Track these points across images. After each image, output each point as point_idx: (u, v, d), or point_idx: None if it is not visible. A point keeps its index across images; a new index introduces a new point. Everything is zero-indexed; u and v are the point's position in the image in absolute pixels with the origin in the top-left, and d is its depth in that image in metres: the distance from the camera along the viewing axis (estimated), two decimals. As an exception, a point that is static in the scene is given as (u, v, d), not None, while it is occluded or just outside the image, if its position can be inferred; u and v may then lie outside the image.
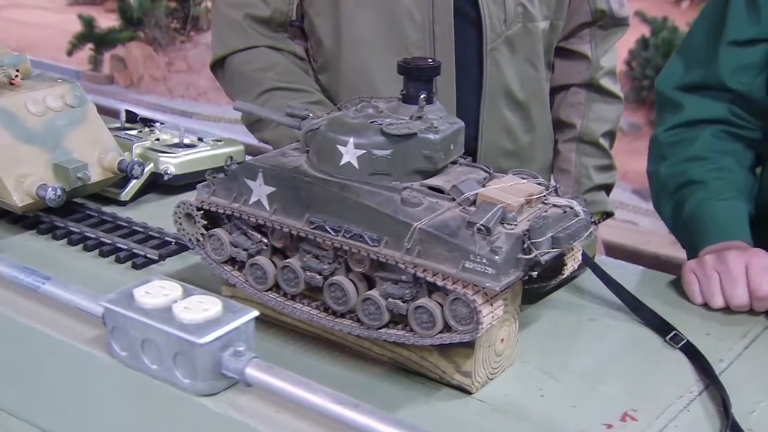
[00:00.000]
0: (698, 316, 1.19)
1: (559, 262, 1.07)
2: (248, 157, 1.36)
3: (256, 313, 0.93)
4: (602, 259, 1.34)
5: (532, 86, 1.61)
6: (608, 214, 1.70)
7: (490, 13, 1.51)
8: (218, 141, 1.55)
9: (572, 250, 1.07)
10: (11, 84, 1.35)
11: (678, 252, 4.22)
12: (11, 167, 1.28)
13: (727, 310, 1.21)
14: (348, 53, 1.55)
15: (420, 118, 1.02)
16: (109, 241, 1.28)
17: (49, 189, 1.28)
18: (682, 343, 1.11)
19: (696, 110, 1.39)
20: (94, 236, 1.29)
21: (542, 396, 1.01)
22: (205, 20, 6.62)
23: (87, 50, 6.73)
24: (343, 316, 1.03)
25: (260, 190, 1.05)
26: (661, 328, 1.14)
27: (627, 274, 1.28)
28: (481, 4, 1.51)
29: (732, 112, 1.37)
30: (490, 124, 1.57)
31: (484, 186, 1.00)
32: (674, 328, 1.13)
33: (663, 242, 4.15)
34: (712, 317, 1.19)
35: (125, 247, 1.27)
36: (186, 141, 1.52)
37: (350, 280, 1.01)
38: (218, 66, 1.64)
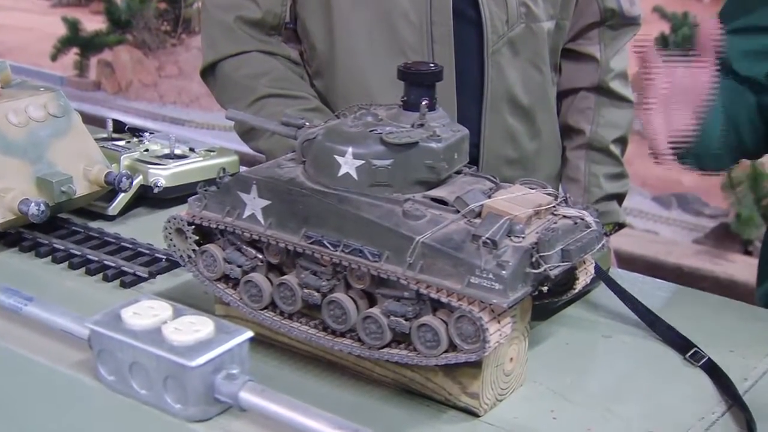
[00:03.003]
0: (720, 332, 1.20)
1: (570, 276, 1.07)
2: (243, 168, 1.37)
3: (250, 333, 0.93)
4: (617, 272, 1.35)
5: (537, 90, 1.61)
6: (621, 226, 1.71)
7: (491, 14, 1.52)
8: (211, 151, 1.56)
9: (584, 263, 1.08)
10: (-9, 93, 1.36)
11: (702, 263, 4.23)
12: (-9, 181, 1.29)
13: (751, 324, 1.21)
14: (342, 57, 1.56)
15: (422, 125, 1.03)
16: (95, 259, 1.29)
17: (32, 204, 1.28)
18: (703, 360, 1.12)
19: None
20: (79, 253, 1.30)
21: (554, 418, 1.01)
22: (197, 22, 6.64)
23: (72, 55, 6.75)
24: (343, 335, 1.04)
25: (254, 204, 1.06)
26: (681, 344, 1.15)
27: (643, 287, 1.29)
28: (481, 4, 1.52)
29: None
30: (492, 130, 1.58)
31: (489, 197, 1.01)
32: (694, 345, 1.14)
33: (685, 252, 4.16)
34: (735, 333, 1.20)
35: (113, 264, 1.28)
36: (177, 151, 1.53)
37: (350, 297, 1.02)
38: (209, 72, 1.65)
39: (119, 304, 0.97)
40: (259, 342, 1.05)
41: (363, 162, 1.00)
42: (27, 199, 1.29)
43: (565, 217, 1.02)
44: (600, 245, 1.02)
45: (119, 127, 1.60)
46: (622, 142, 1.70)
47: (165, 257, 1.29)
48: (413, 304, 0.98)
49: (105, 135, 1.57)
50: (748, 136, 1.35)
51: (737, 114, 1.32)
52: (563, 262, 0.97)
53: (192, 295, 1.19)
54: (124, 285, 1.24)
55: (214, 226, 1.08)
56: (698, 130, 1.25)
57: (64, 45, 6.70)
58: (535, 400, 1.04)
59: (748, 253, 4.25)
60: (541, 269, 0.95)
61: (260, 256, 1.08)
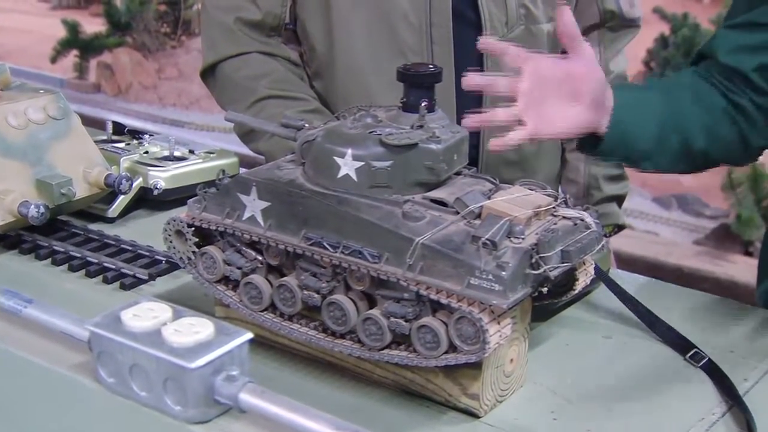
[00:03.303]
0: (720, 332, 1.20)
1: (570, 277, 1.08)
2: (243, 170, 1.37)
3: (249, 335, 0.93)
4: (617, 273, 1.35)
5: None
6: (620, 227, 1.70)
7: (490, 15, 1.52)
8: (210, 153, 1.56)
9: (584, 264, 1.08)
10: (-10, 96, 1.37)
11: (702, 264, 4.22)
12: (-9, 184, 1.29)
13: (751, 324, 1.21)
14: (341, 58, 1.56)
15: (421, 127, 1.03)
16: (95, 261, 1.29)
17: (32, 206, 1.29)
18: (704, 361, 1.12)
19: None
20: (79, 255, 1.30)
21: (554, 419, 1.01)
22: (197, 24, 6.64)
23: (72, 57, 6.75)
24: (342, 336, 1.04)
25: (254, 205, 1.06)
26: (681, 345, 1.15)
27: (643, 288, 1.29)
28: (480, 6, 1.52)
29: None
30: (491, 132, 1.57)
31: (489, 198, 1.01)
32: (695, 346, 1.14)
33: (686, 253, 4.16)
34: (735, 334, 1.20)
35: (113, 266, 1.28)
36: (176, 153, 1.53)
37: (350, 298, 1.02)
38: (209, 74, 1.65)
39: (119, 306, 0.97)
40: (259, 344, 1.05)
41: (362, 163, 1.01)
42: (27, 201, 1.29)
43: (564, 218, 1.02)
44: (600, 246, 1.02)
45: (119, 129, 1.60)
46: (621, 143, 1.70)
47: (165, 259, 1.29)
48: (413, 306, 0.98)
49: (105, 137, 1.58)
50: (705, 142, 1.28)
51: (689, 118, 1.29)
52: (563, 263, 0.97)
53: (192, 297, 1.19)
54: (123, 287, 1.24)
55: (214, 227, 1.09)
56: (616, 127, 1.21)
57: (63, 47, 6.70)
58: (535, 400, 1.04)
59: (748, 254, 4.25)
60: (541, 270, 0.95)
61: (260, 258, 1.08)
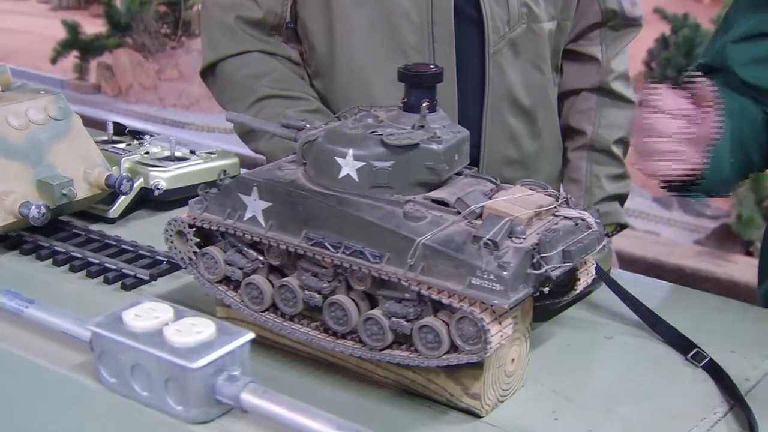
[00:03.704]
0: (722, 332, 1.20)
1: (571, 277, 1.08)
2: (244, 170, 1.37)
3: (251, 335, 0.93)
4: (618, 273, 1.35)
5: (538, 91, 1.62)
6: (622, 226, 1.71)
7: (492, 14, 1.52)
8: (211, 153, 1.56)
9: (585, 264, 1.08)
10: (-9, 97, 1.37)
11: (703, 264, 4.23)
12: (-8, 184, 1.29)
13: (752, 324, 1.21)
14: (342, 58, 1.56)
15: (422, 127, 1.03)
16: (96, 261, 1.29)
17: (33, 207, 1.29)
18: (705, 361, 1.12)
19: None
20: (80, 256, 1.30)
21: (556, 419, 1.01)
22: (197, 25, 6.65)
23: (72, 58, 6.77)
24: (344, 336, 1.04)
25: (255, 206, 1.06)
26: (683, 345, 1.15)
27: (644, 288, 1.29)
28: (482, 4, 1.52)
29: None
30: (493, 131, 1.58)
31: (490, 198, 1.01)
32: (696, 346, 1.14)
33: (686, 253, 4.16)
34: (736, 333, 1.20)
35: (114, 267, 1.28)
36: (177, 154, 1.53)
37: (351, 299, 1.02)
38: (209, 73, 1.65)
39: (120, 307, 0.97)
40: (261, 344, 1.05)
41: (364, 164, 1.01)
42: (28, 201, 1.29)
43: (566, 218, 1.02)
44: (601, 246, 1.02)
45: (120, 129, 1.60)
46: (623, 142, 1.70)
47: (166, 259, 1.29)
48: (414, 306, 0.98)
49: (105, 137, 1.58)
50: (756, 153, 1.31)
51: (746, 134, 1.30)
52: (564, 262, 0.97)
53: (193, 297, 1.19)
54: (125, 287, 1.24)
55: (215, 228, 1.09)
56: (707, 165, 1.24)
57: (64, 48, 6.72)
58: (536, 401, 1.04)
59: (749, 253, 4.26)
60: (542, 270, 0.95)
61: (261, 258, 1.08)
